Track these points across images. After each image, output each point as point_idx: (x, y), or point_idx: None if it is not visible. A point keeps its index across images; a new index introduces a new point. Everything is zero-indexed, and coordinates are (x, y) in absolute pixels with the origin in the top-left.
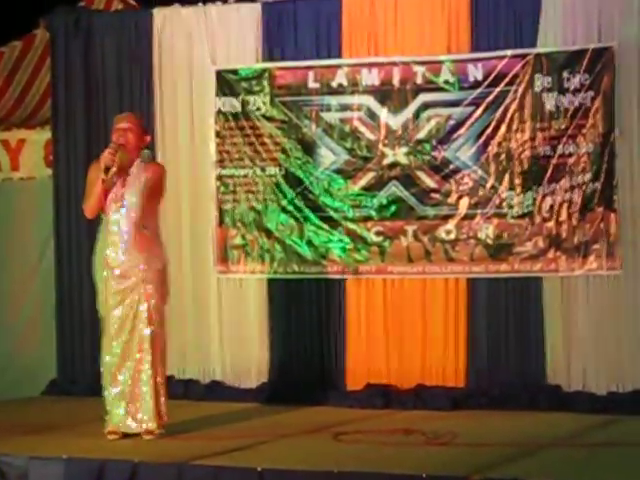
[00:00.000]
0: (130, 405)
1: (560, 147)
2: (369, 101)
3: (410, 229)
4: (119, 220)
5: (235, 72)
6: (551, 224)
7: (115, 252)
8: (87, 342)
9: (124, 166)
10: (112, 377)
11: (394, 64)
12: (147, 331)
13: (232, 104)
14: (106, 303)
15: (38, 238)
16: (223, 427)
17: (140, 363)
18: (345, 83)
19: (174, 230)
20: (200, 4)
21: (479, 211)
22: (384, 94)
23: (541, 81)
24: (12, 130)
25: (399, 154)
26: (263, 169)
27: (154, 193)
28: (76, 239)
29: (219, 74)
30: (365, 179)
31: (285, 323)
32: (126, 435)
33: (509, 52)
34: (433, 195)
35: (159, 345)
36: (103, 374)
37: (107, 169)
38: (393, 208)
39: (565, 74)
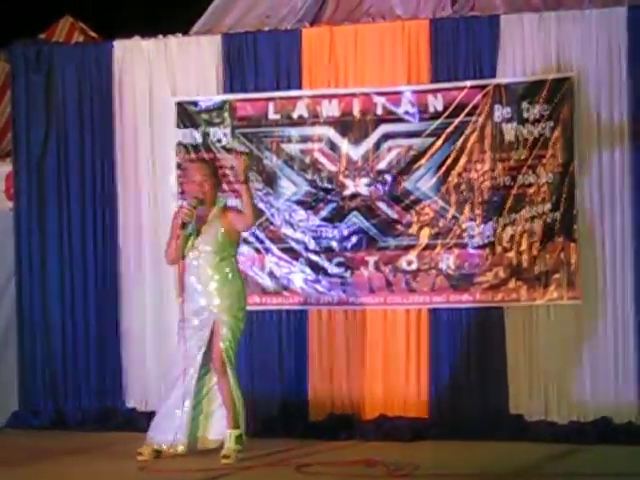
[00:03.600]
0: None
1: (520, 177)
2: (329, 132)
3: (371, 260)
4: (195, 266)
5: (195, 104)
6: (512, 254)
7: (192, 293)
8: (48, 374)
9: (202, 216)
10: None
11: (354, 95)
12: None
13: (193, 136)
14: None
15: (0, 272)
16: (185, 460)
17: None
18: (305, 114)
19: (136, 263)
20: (160, 36)
21: (440, 241)
22: (344, 125)
23: (501, 112)
24: None
25: (360, 185)
26: None
27: (232, 240)
28: (38, 272)
29: (179, 106)
30: (326, 210)
31: (247, 354)
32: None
33: (469, 83)
34: (394, 226)
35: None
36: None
37: (184, 224)
38: (354, 239)
39: (524, 104)
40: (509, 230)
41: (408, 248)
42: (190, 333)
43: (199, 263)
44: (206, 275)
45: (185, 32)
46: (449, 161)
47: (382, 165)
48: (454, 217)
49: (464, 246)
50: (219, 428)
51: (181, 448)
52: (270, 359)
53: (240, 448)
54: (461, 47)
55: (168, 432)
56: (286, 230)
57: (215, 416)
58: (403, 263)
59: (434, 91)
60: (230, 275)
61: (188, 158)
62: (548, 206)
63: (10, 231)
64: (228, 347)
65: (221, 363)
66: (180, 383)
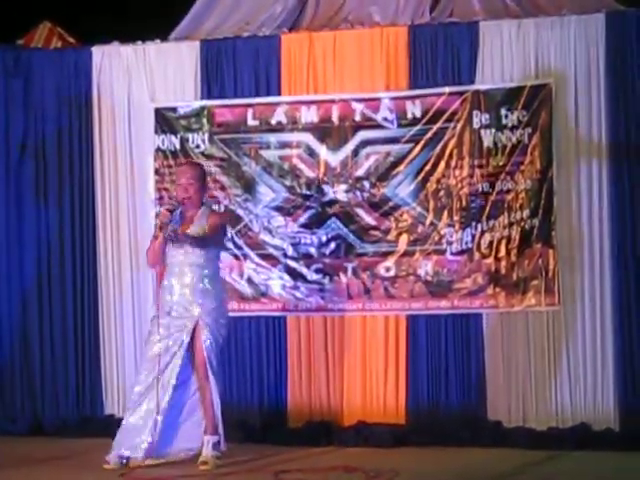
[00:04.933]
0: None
1: (498, 183)
2: (308, 138)
3: (350, 266)
4: (178, 264)
5: (174, 110)
6: (490, 260)
7: (171, 294)
8: (26, 380)
9: (188, 217)
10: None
11: (333, 101)
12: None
13: (171, 142)
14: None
15: None
16: (164, 467)
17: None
18: (284, 120)
19: (115, 268)
20: (139, 42)
21: (418, 248)
22: (323, 131)
23: (479, 118)
24: None
25: (338, 191)
26: None
27: (214, 241)
28: (15, 277)
29: (158, 112)
30: (305, 216)
31: (225, 361)
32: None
33: (447, 89)
34: (372, 232)
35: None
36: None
37: (162, 226)
38: (333, 245)
39: (503, 111)
40: (487, 236)
41: (386, 254)
42: (166, 333)
43: (183, 262)
44: (189, 275)
45: (164, 38)
46: (427, 167)
47: (361, 171)
48: (432, 223)
49: (442, 252)
50: (196, 436)
51: (152, 459)
52: (248, 365)
53: (218, 454)
54: (440, 53)
55: (140, 441)
56: (264, 236)
57: (193, 424)
58: (381, 269)
59: (412, 97)
60: (214, 278)
61: (179, 162)
62: (526, 212)
63: None
64: (210, 351)
65: (204, 367)
66: (153, 390)
